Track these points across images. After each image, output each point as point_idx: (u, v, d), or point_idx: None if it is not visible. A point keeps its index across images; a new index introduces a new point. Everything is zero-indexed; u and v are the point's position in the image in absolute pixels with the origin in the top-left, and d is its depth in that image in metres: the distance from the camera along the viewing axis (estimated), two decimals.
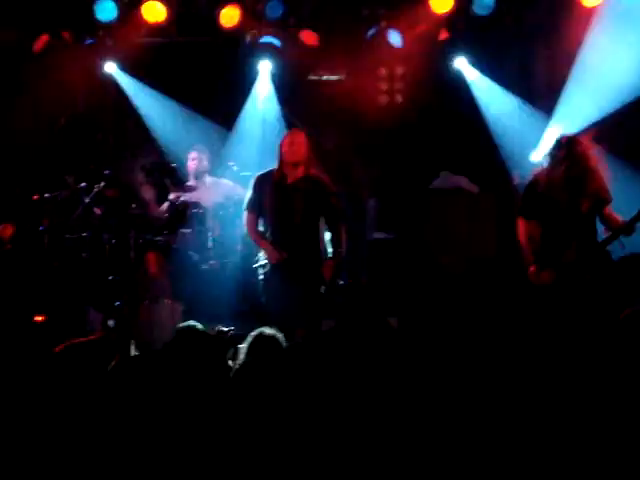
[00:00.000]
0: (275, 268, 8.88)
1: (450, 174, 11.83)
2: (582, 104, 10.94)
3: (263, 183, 9.01)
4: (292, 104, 12.62)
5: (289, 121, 12.11)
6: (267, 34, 11.98)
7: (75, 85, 12.95)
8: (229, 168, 12.04)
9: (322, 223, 9.02)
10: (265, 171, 9.09)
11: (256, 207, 9.02)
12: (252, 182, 9.11)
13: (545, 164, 8.37)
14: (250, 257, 11.32)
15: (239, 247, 11.61)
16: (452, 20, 11.61)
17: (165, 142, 12.80)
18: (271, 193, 8.92)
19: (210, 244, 11.72)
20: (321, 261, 8.99)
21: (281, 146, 8.94)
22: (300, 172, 8.92)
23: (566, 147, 8.22)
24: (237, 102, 12.74)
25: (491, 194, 11.34)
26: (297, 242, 8.87)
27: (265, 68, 12.50)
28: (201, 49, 12.63)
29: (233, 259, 11.57)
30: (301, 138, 8.94)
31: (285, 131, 9.52)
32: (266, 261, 8.98)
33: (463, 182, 11.69)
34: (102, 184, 11.18)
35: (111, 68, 12.27)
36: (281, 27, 11.93)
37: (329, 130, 12.35)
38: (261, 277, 9.05)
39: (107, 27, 11.54)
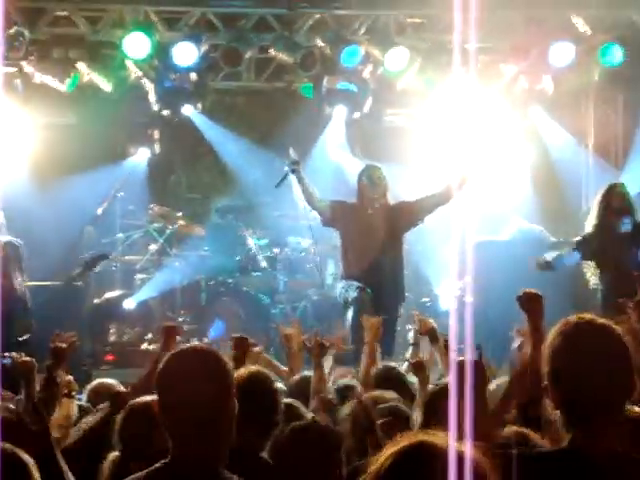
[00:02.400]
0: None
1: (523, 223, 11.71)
2: None
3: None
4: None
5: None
6: (343, 80, 12.01)
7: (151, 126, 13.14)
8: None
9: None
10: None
11: None
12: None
13: None
14: (321, 302, 11.41)
15: (311, 292, 11.66)
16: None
17: (243, 185, 12.88)
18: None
19: (281, 288, 11.76)
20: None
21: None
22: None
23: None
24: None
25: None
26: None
27: (340, 114, 12.50)
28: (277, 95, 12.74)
29: (304, 303, 11.60)
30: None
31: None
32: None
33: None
34: None
35: (188, 111, 12.35)
36: (357, 74, 11.95)
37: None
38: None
39: (186, 71, 11.64)
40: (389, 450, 2.33)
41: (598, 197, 8.87)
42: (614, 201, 8.66)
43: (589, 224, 8.82)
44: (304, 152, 12.58)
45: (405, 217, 9.20)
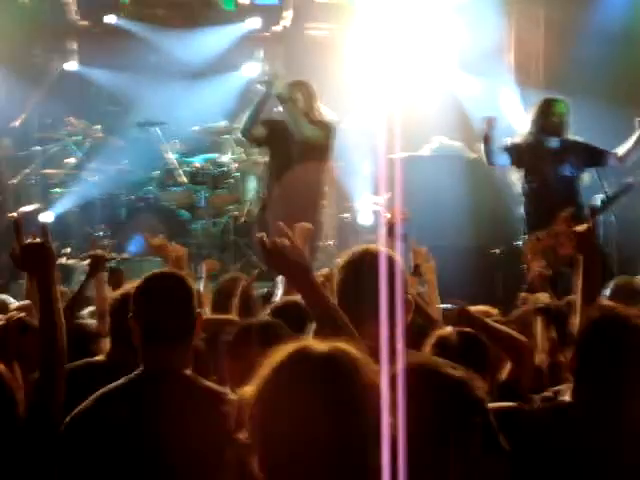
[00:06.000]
0: None
1: (444, 139, 11.71)
2: None
3: None
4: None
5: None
6: None
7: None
8: None
9: None
10: None
11: None
12: None
13: None
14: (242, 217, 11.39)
15: (232, 207, 11.63)
16: None
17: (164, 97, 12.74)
18: None
19: (202, 203, 11.68)
20: None
21: None
22: None
23: None
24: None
25: None
26: None
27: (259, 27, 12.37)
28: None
29: (225, 219, 11.56)
30: None
31: None
32: None
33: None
34: None
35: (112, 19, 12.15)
36: None
37: None
38: None
39: None
40: None
41: (535, 109, 8.74)
42: (553, 117, 8.60)
43: (522, 133, 8.74)
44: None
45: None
